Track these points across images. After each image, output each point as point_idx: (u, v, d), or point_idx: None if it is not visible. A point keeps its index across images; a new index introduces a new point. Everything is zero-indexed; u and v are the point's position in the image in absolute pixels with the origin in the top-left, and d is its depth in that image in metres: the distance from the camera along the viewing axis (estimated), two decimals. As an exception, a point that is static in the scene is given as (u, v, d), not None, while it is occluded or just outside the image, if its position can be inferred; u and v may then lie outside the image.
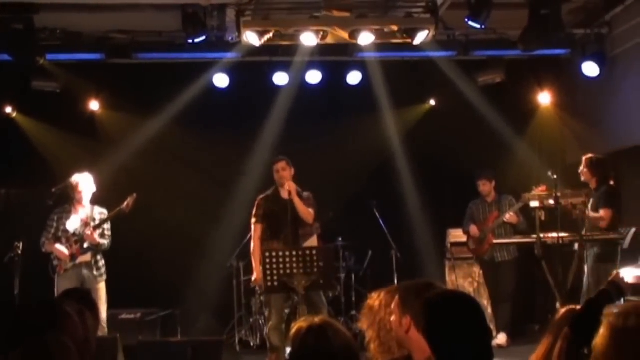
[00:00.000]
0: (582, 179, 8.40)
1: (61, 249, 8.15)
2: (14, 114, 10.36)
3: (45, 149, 10.23)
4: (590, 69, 9.51)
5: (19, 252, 7.90)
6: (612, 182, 8.20)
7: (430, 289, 3.37)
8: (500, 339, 9.12)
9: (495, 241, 9.11)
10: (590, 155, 8.38)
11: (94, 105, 10.48)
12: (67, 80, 9.84)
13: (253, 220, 7.99)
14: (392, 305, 3.51)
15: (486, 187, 9.48)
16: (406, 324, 3.32)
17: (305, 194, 7.93)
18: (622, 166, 9.79)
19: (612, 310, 2.78)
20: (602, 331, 2.71)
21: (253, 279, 8.05)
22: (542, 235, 7.98)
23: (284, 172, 7.84)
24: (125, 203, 8.22)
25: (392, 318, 3.52)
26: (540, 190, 8.36)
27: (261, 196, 8.04)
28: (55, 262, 8.18)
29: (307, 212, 7.78)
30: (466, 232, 9.56)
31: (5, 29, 8.42)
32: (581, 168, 8.34)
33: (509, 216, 9.16)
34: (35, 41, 8.78)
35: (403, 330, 3.35)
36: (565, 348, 3.12)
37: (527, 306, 10.07)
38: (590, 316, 2.99)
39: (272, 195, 7.97)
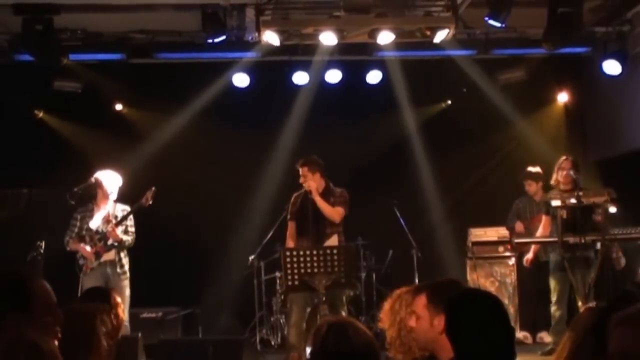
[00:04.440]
0: (567, 181, 8.27)
1: (85, 247, 8.17)
2: (40, 114, 10.42)
3: (68, 148, 10.27)
4: (612, 67, 9.41)
5: (42, 251, 7.93)
6: None
7: (457, 287, 3.35)
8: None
9: (516, 240, 9.03)
10: (569, 157, 8.38)
11: (116, 105, 10.57)
12: (89, 80, 9.89)
13: (288, 217, 8.04)
14: (417, 306, 3.50)
15: (532, 188, 9.40)
16: (439, 325, 3.29)
17: (338, 190, 7.90)
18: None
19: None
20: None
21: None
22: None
23: (303, 179, 7.82)
24: (145, 197, 8.21)
25: (414, 319, 3.50)
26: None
27: (295, 194, 8.05)
28: (82, 262, 8.16)
29: (331, 211, 7.74)
30: (510, 229, 9.47)
31: (27, 30, 8.47)
32: (568, 171, 8.18)
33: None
34: (57, 42, 8.84)
35: (436, 331, 3.32)
36: (587, 348, 3.10)
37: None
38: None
39: (303, 192, 7.95)
